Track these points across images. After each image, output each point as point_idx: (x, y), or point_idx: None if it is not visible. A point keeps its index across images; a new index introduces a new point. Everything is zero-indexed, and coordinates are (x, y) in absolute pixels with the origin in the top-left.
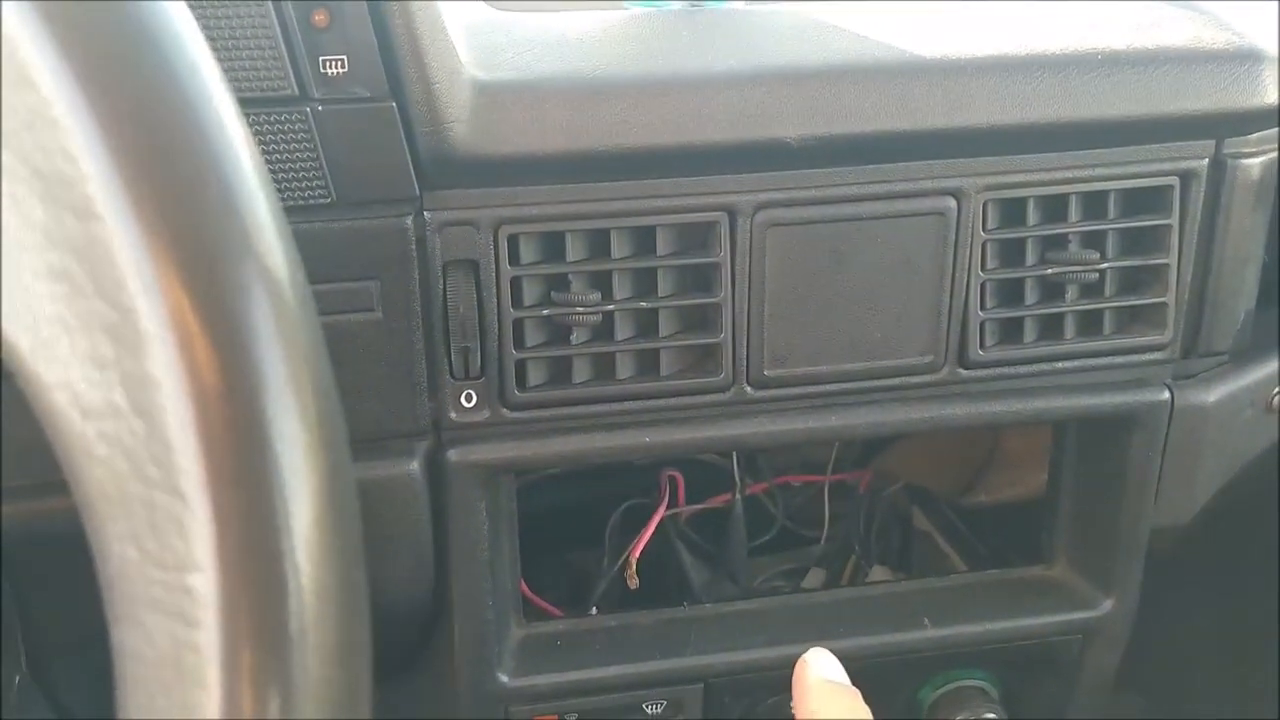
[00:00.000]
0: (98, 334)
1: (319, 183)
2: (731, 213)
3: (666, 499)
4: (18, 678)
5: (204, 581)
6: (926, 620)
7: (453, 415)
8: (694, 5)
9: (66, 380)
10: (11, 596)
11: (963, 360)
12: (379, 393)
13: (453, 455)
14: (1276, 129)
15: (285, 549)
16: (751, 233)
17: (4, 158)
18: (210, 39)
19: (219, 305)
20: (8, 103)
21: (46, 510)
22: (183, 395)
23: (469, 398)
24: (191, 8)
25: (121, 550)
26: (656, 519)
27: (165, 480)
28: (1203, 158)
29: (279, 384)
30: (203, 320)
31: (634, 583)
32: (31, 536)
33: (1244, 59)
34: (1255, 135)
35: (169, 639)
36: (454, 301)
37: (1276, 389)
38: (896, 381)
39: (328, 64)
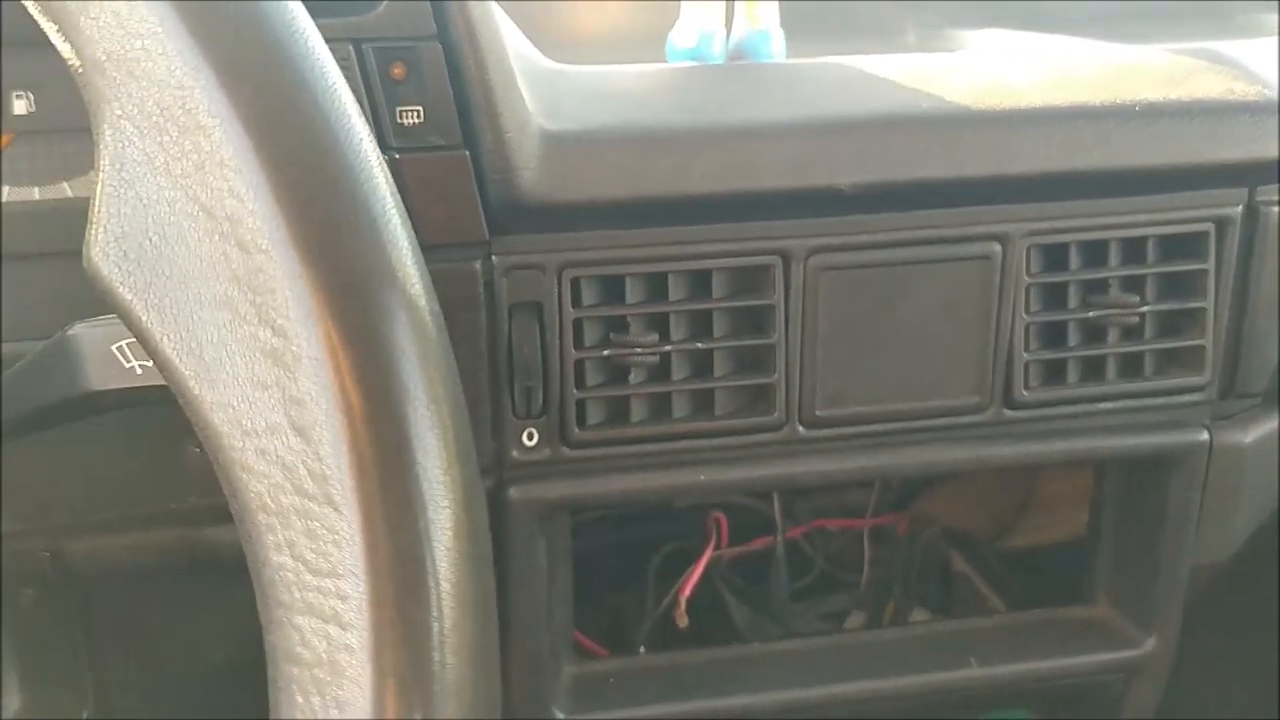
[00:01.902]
0: (259, 358)
1: None
2: (785, 257)
3: (714, 541)
4: (85, 713)
5: (355, 586)
6: (973, 660)
7: (515, 454)
8: (734, 60)
9: (228, 401)
10: (82, 633)
11: (1008, 401)
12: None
13: (514, 493)
14: None
15: (428, 556)
16: (805, 276)
17: (176, 196)
18: None
19: (369, 331)
20: (181, 146)
21: (121, 546)
22: (337, 414)
23: (530, 436)
24: None
25: (278, 559)
26: (705, 558)
27: (320, 493)
28: (1236, 205)
29: (421, 403)
30: (355, 345)
31: (683, 621)
32: (105, 572)
33: (1274, 110)
34: None
35: (324, 640)
36: (519, 342)
37: None
38: (944, 421)
39: (405, 114)
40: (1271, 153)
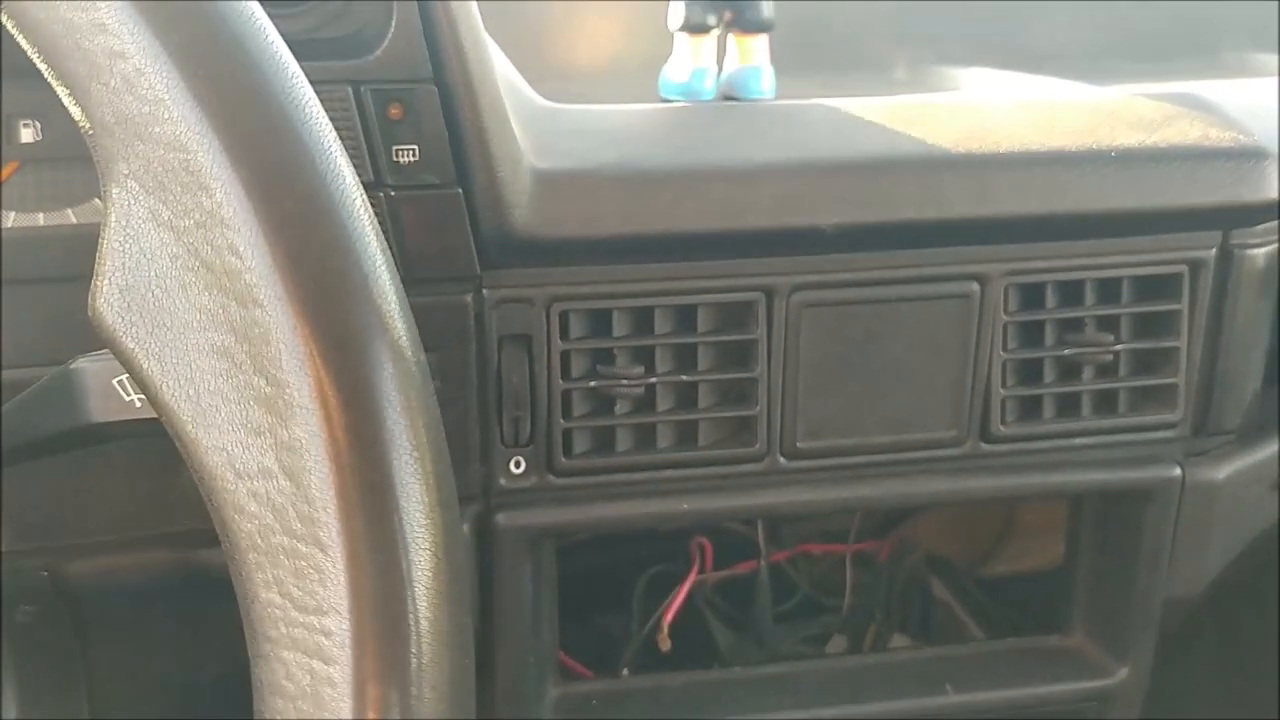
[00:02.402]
0: (253, 405)
1: None
2: (769, 293)
3: (698, 565)
4: None
5: (339, 623)
6: (949, 686)
7: (502, 481)
8: (728, 100)
9: (223, 445)
10: (79, 649)
11: (985, 435)
12: None
13: (501, 519)
14: (1279, 222)
15: (409, 596)
16: (787, 312)
17: (179, 251)
18: None
19: (359, 381)
20: (184, 204)
21: (117, 566)
22: (326, 459)
23: (518, 464)
24: None
25: (267, 595)
26: (688, 584)
27: (309, 534)
28: (1210, 248)
29: (406, 451)
30: (344, 395)
31: (666, 645)
32: (102, 591)
33: (1249, 156)
34: (1260, 227)
35: (308, 675)
36: (508, 373)
37: None
38: (923, 454)
39: (400, 153)
40: (1245, 197)
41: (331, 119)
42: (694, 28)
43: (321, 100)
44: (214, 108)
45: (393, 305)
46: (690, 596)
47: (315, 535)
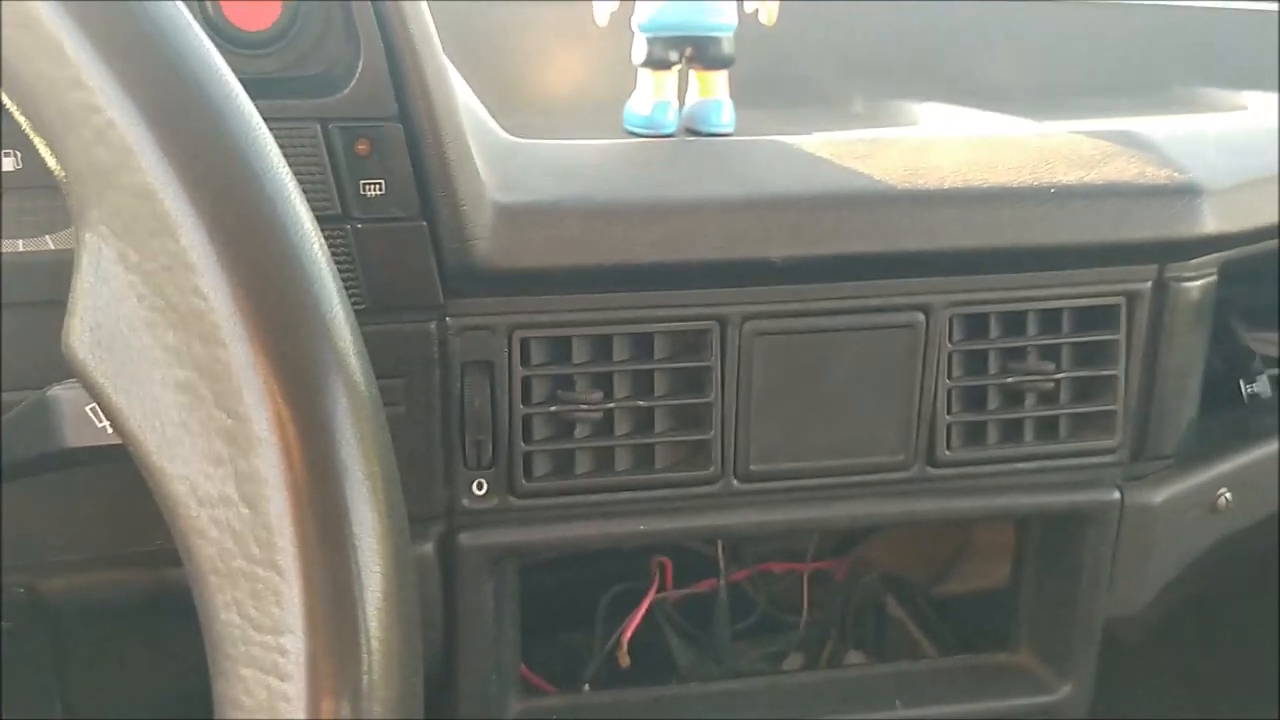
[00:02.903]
0: (215, 437)
1: (356, 292)
2: (723, 322)
3: (657, 583)
4: None
5: (295, 643)
6: (898, 702)
7: (465, 502)
8: (689, 134)
9: (186, 474)
10: (54, 664)
11: (931, 459)
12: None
13: (464, 539)
14: (1213, 255)
15: (360, 618)
16: (740, 340)
17: (146, 293)
18: None
19: (315, 415)
20: (151, 249)
21: (92, 583)
22: (284, 488)
23: (480, 486)
24: None
25: (226, 616)
26: (647, 602)
27: (266, 558)
28: (1147, 280)
29: (360, 481)
30: (302, 427)
31: (625, 662)
32: (77, 607)
33: (1183, 193)
34: (1194, 260)
35: (265, 690)
36: (470, 398)
37: (1221, 490)
38: (871, 478)
39: (367, 187)
40: (1180, 233)
41: (300, 154)
42: (656, 63)
43: (291, 136)
44: (181, 160)
45: (348, 343)
46: (651, 614)
47: (273, 560)
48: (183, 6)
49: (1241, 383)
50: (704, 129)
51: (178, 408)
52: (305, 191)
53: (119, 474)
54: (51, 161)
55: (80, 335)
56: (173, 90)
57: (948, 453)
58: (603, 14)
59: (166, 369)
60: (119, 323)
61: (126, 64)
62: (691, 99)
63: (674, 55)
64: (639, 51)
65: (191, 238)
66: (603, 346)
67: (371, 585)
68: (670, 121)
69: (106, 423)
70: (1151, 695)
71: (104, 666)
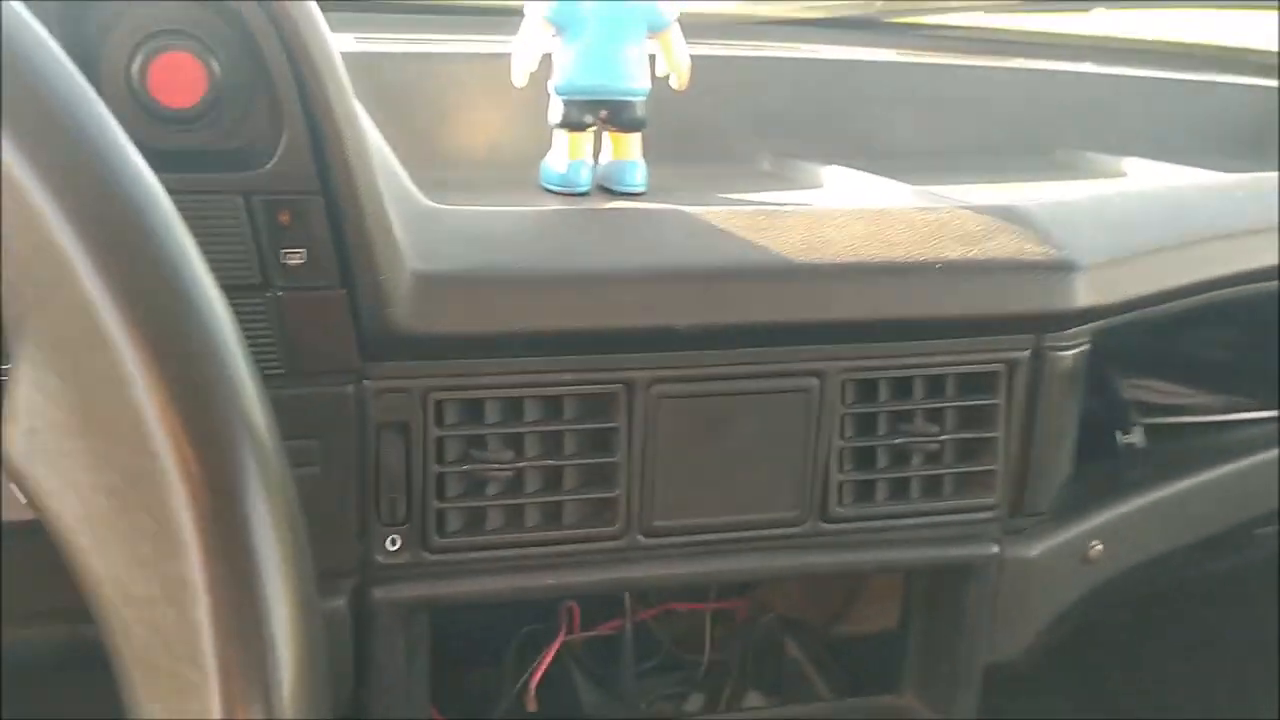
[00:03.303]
0: (142, 541)
1: (275, 358)
2: (629, 385)
3: (564, 630)
4: None
5: None
6: None
7: (379, 558)
8: (602, 196)
9: (114, 574)
10: None
11: (824, 515)
12: (314, 537)
13: (377, 593)
14: (1086, 326)
15: (276, 707)
16: (646, 403)
17: (79, 402)
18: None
19: (237, 520)
20: (85, 361)
21: (18, 639)
22: (205, 591)
23: (394, 542)
24: (176, 203)
25: (150, 704)
26: (554, 649)
27: (189, 657)
28: (1025, 349)
29: (277, 583)
30: (225, 532)
31: (532, 706)
32: (9, 664)
33: (1059, 269)
34: (1069, 331)
35: None
36: (385, 457)
37: (1093, 542)
38: (768, 532)
39: (289, 255)
40: (1055, 306)
41: (223, 225)
42: (572, 125)
43: (214, 208)
44: (117, 278)
45: (267, 448)
46: (559, 654)
47: (195, 659)
48: (115, 123)
49: (1118, 434)
50: (617, 188)
51: (107, 511)
52: (227, 261)
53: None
54: None
55: (15, 440)
56: (109, 210)
57: (840, 509)
58: (520, 75)
59: (97, 474)
60: (54, 429)
61: (65, 184)
62: (605, 158)
63: (589, 118)
64: (555, 113)
65: (125, 352)
66: (514, 408)
67: (287, 679)
68: (585, 180)
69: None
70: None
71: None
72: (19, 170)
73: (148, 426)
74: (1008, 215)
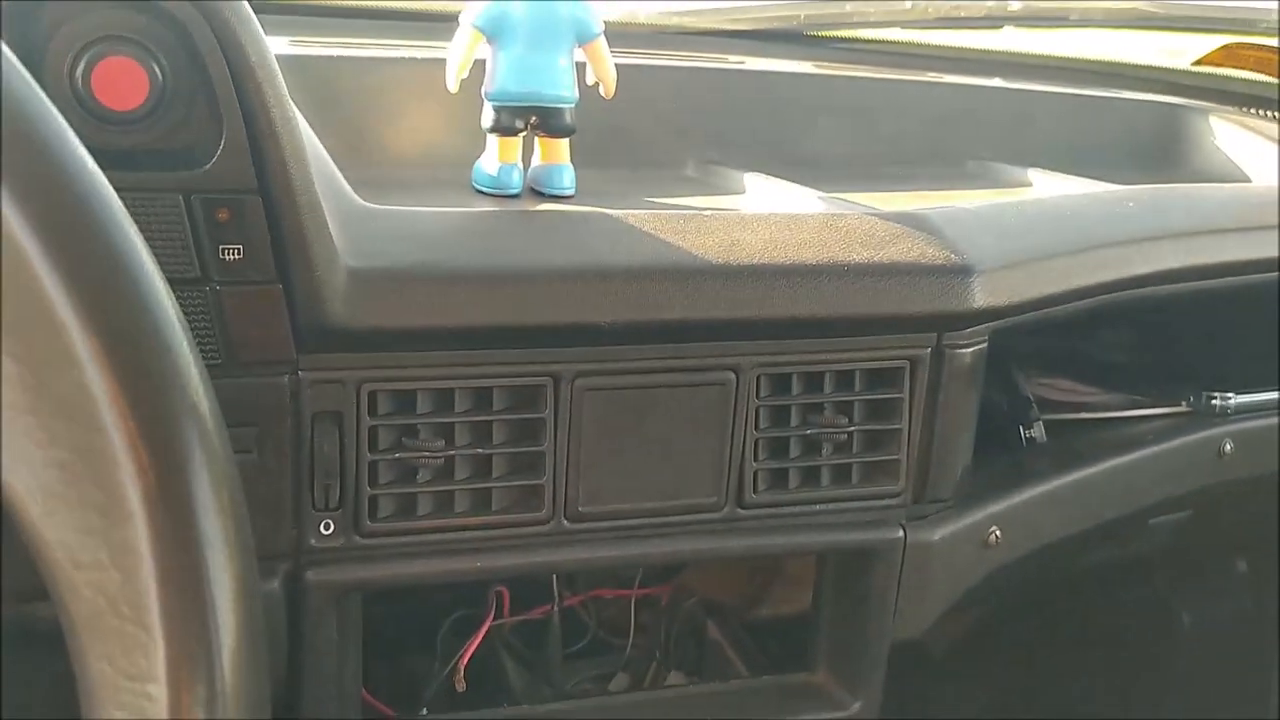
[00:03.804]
0: (90, 510)
1: (213, 349)
2: (555, 378)
3: (493, 613)
4: None
5: (159, 690)
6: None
7: (312, 541)
8: (532, 198)
9: (63, 541)
10: None
11: (740, 502)
12: (250, 522)
13: (311, 576)
14: (984, 325)
15: (217, 666)
16: (572, 395)
17: (33, 383)
18: None
19: (180, 491)
20: (37, 345)
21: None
22: (151, 557)
23: (327, 526)
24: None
25: (99, 667)
26: (483, 631)
27: (135, 617)
28: (927, 347)
29: (219, 549)
30: (169, 502)
31: (461, 686)
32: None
33: (958, 273)
34: (967, 330)
35: None
36: (319, 445)
37: (992, 528)
38: (687, 518)
39: (226, 251)
40: (954, 307)
41: (163, 222)
42: (503, 130)
43: (155, 205)
44: (68, 268)
45: (210, 426)
46: (489, 638)
47: (141, 619)
48: (62, 120)
49: (1021, 428)
50: (547, 190)
51: (58, 483)
52: (167, 256)
53: None
54: None
55: None
56: (60, 203)
57: (754, 496)
58: (453, 81)
59: (48, 449)
60: (9, 409)
61: (15, 176)
62: (535, 161)
63: (520, 123)
64: (488, 118)
65: (76, 336)
66: (445, 399)
67: (227, 641)
68: (515, 182)
69: None
70: (948, 705)
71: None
72: None
73: (98, 405)
74: (910, 221)
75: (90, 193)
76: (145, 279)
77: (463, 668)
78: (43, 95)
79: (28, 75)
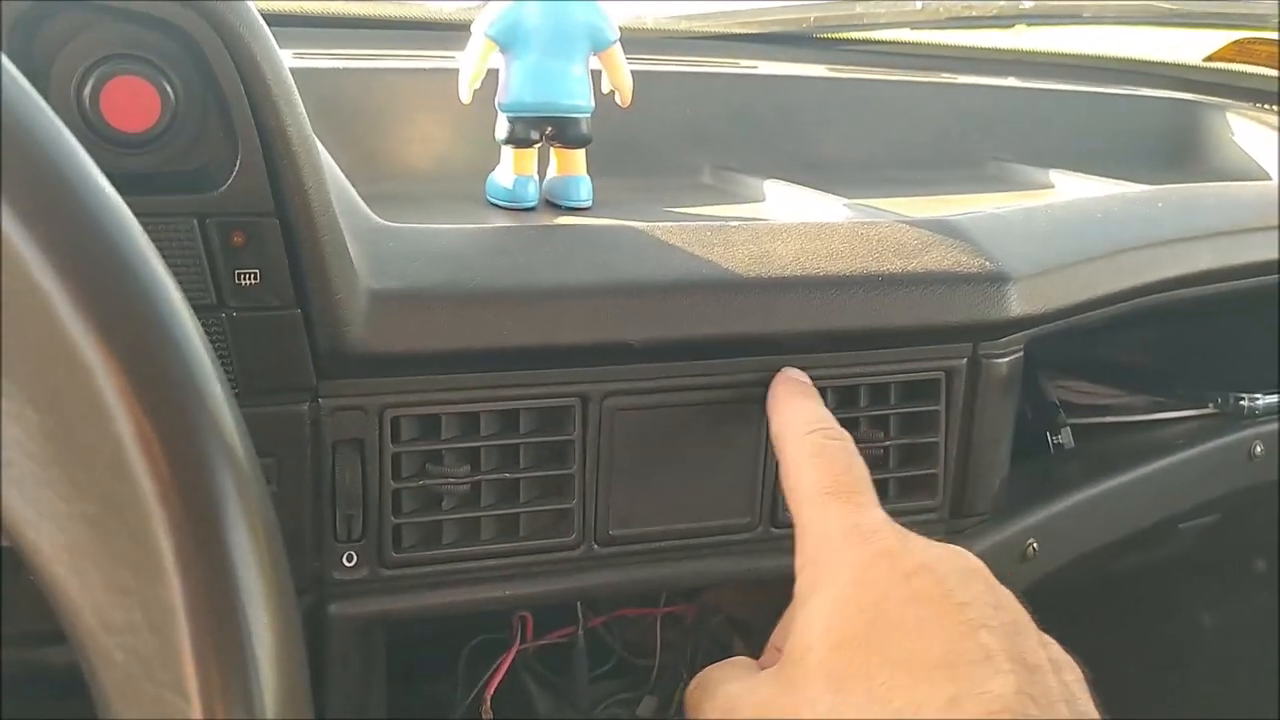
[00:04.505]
0: (121, 567)
1: (230, 377)
2: (584, 399)
3: (518, 639)
4: None
5: None
6: None
7: (335, 574)
8: (548, 211)
9: (94, 603)
10: None
11: (774, 520)
12: None
13: (333, 609)
14: (1019, 334)
15: None
16: (600, 416)
17: (58, 432)
18: None
19: (219, 544)
20: (63, 392)
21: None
22: (188, 616)
23: (350, 558)
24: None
25: None
26: (509, 659)
27: (172, 682)
28: (963, 358)
29: (260, 607)
30: (207, 557)
31: (489, 715)
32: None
33: (993, 280)
34: (1003, 340)
35: None
36: (341, 474)
37: (1029, 540)
38: (719, 539)
39: (242, 276)
40: (990, 316)
41: (177, 247)
42: (518, 141)
43: (168, 230)
44: (93, 309)
45: (245, 471)
46: (511, 663)
47: (177, 684)
48: (83, 152)
49: (1049, 434)
50: (563, 203)
51: (86, 540)
52: (181, 282)
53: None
54: None
55: None
56: (83, 239)
57: (788, 513)
58: (466, 91)
59: (75, 504)
60: (30, 459)
61: (37, 217)
62: (551, 173)
63: (534, 134)
64: (502, 129)
65: (103, 382)
66: (470, 423)
67: (271, 705)
68: (531, 195)
69: None
70: None
71: None
72: None
73: (127, 454)
74: (942, 229)
75: (114, 224)
76: (174, 316)
77: (489, 696)
78: (55, 118)
79: (35, 94)
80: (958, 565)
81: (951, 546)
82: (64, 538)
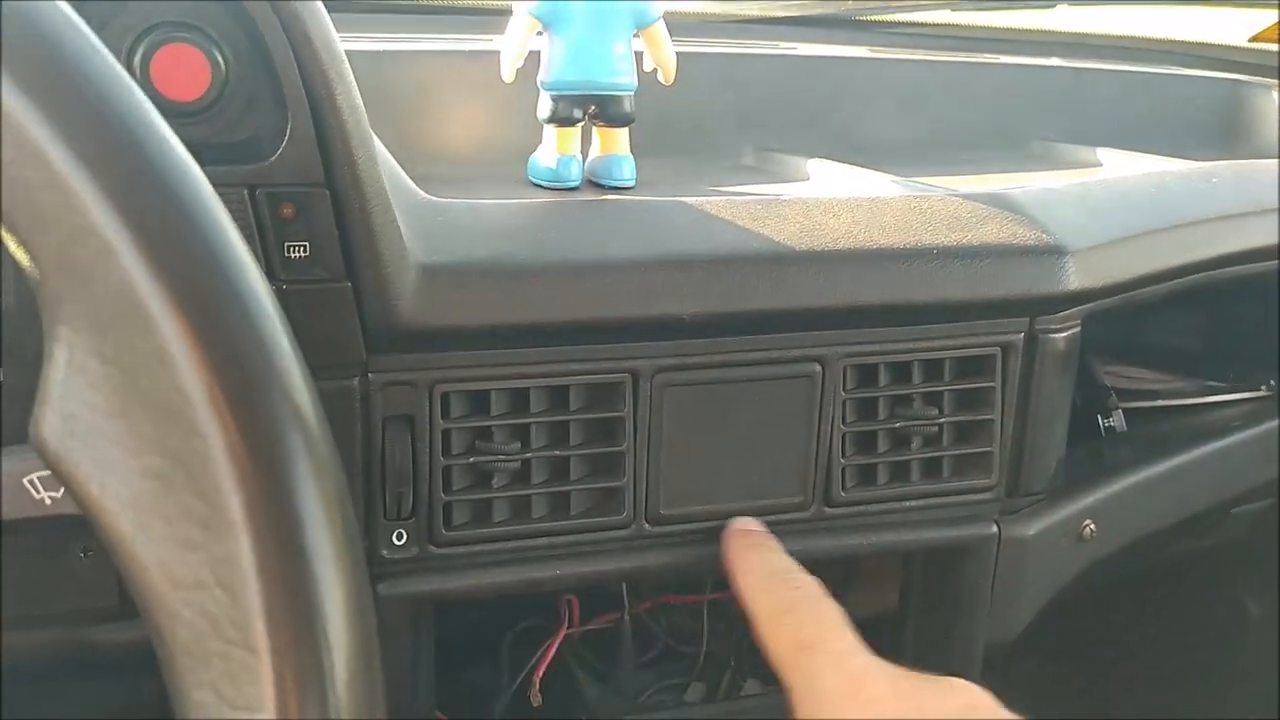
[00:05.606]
0: (189, 523)
1: None
2: (634, 375)
3: (565, 624)
4: None
5: (269, 718)
6: None
7: (384, 553)
8: (591, 190)
9: (161, 559)
10: None
11: (828, 500)
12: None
13: (383, 589)
14: (1077, 309)
15: (330, 691)
16: (651, 392)
17: (122, 383)
18: None
19: (287, 498)
20: (129, 343)
21: (10, 645)
22: (258, 571)
23: (400, 536)
24: None
25: (200, 696)
26: (557, 641)
27: (242, 639)
28: (1019, 332)
29: (329, 562)
30: (275, 511)
31: (537, 700)
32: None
33: (1050, 252)
34: (1060, 314)
35: None
36: (391, 451)
37: (1086, 522)
38: (772, 518)
39: (292, 249)
40: (1047, 289)
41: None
42: (560, 120)
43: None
44: (158, 257)
45: (314, 425)
46: (559, 650)
47: (247, 640)
48: (150, 106)
49: (1100, 418)
50: (606, 182)
51: (152, 495)
52: None
53: (33, 532)
54: (23, 258)
55: (52, 425)
56: (149, 192)
57: (842, 493)
58: (509, 71)
59: (141, 458)
60: (94, 413)
61: (103, 166)
62: (593, 152)
63: (577, 113)
64: (544, 108)
65: (170, 333)
66: (520, 399)
67: (340, 662)
68: (574, 175)
69: (45, 494)
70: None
71: None
72: (56, 153)
73: (194, 408)
74: (996, 202)
75: (179, 176)
76: (241, 269)
77: (537, 680)
78: (126, 77)
79: (110, 58)
80: (955, 704)
81: (946, 681)
82: (129, 492)
